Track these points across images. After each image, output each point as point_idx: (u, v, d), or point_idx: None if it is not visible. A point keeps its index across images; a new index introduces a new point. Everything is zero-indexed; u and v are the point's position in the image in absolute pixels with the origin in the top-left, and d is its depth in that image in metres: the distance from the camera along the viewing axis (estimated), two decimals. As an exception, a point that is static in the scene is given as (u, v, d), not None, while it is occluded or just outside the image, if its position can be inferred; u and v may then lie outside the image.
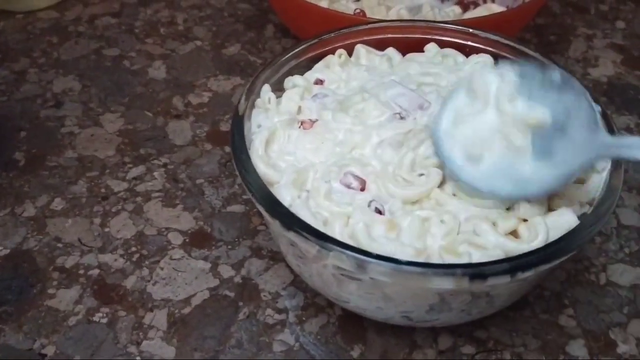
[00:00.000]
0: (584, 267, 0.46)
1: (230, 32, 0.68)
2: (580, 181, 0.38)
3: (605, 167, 0.38)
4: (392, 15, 0.58)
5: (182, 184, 0.51)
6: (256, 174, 0.36)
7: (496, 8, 0.62)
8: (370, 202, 0.36)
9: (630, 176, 0.53)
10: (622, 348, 0.41)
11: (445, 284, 0.32)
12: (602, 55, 0.66)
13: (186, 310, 0.43)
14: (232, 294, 0.44)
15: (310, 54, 0.47)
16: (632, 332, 0.42)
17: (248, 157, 0.37)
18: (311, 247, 0.33)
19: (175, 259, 0.46)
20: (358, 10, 0.58)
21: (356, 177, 0.37)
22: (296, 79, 0.45)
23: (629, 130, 0.57)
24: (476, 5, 0.67)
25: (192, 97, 0.60)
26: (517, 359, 0.41)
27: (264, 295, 0.44)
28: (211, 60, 0.64)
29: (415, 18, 0.59)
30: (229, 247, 0.47)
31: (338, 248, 0.32)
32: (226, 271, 0.45)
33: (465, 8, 0.67)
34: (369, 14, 0.61)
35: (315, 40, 0.47)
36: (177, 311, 0.43)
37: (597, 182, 0.37)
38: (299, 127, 0.41)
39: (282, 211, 0.34)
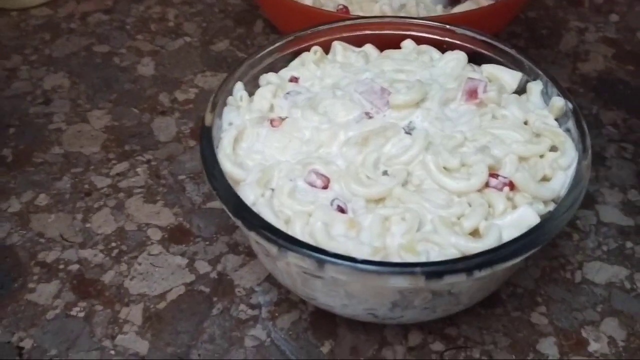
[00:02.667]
0: (559, 264, 0.46)
1: (220, 28, 0.68)
2: (546, 178, 0.38)
3: (571, 164, 0.37)
4: (376, 10, 0.58)
5: (164, 180, 0.52)
6: (221, 173, 0.37)
7: (484, 2, 0.62)
8: (333, 200, 0.37)
9: (613, 173, 0.52)
10: (593, 346, 0.41)
11: (401, 282, 0.32)
12: (593, 50, 0.65)
13: (161, 306, 0.44)
14: (207, 290, 0.44)
15: (287, 51, 0.48)
16: (605, 330, 0.42)
17: (214, 156, 0.37)
18: (272, 246, 0.33)
19: (153, 255, 0.47)
20: (341, 7, 0.58)
21: (320, 175, 0.38)
22: (270, 76, 0.46)
23: (616, 126, 0.56)
24: (466, -1, 0.67)
25: (178, 93, 0.60)
26: (487, 357, 0.41)
27: (239, 291, 0.44)
28: (199, 57, 0.65)
29: (400, 14, 0.58)
30: (207, 243, 0.47)
31: (295, 247, 0.33)
32: (202, 267, 0.46)
33: (455, 1, 0.67)
34: (356, 9, 0.61)
35: (291, 38, 0.48)
36: (152, 306, 0.44)
37: (562, 180, 0.37)
38: (269, 125, 0.41)
39: (244, 210, 0.35)
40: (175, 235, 0.48)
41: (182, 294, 0.44)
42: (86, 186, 0.52)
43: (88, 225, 0.49)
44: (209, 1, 0.72)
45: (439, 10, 0.62)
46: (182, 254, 0.47)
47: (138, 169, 0.53)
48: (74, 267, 0.46)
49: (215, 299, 0.44)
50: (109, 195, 0.51)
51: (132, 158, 0.54)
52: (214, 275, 0.45)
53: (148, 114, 0.58)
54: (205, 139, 0.38)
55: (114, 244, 0.48)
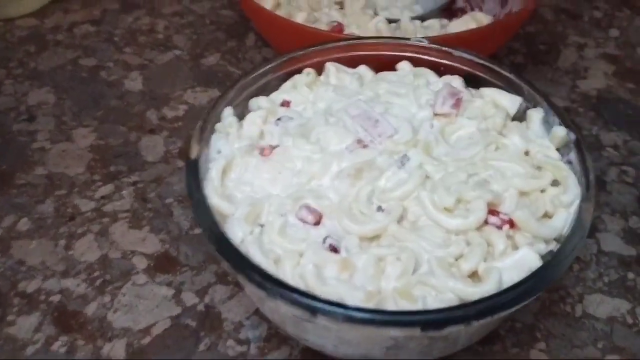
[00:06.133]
0: (559, 297, 0.44)
1: (211, 40, 0.66)
2: (547, 215, 0.36)
3: (573, 201, 0.36)
4: (371, 28, 0.56)
5: (150, 204, 0.50)
6: (208, 210, 0.35)
7: (482, 17, 0.60)
8: (326, 238, 0.35)
9: (614, 198, 0.51)
10: (594, 385, 0.40)
11: (396, 332, 0.31)
12: (592, 66, 0.63)
13: (146, 341, 0.42)
14: (193, 323, 0.43)
15: (279, 73, 0.46)
16: (606, 368, 0.41)
17: (200, 192, 0.36)
18: (259, 291, 0.32)
19: (138, 285, 0.45)
20: (335, 23, 0.57)
21: (312, 211, 0.36)
22: (261, 100, 0.44)
23: (616, 148, 0.55)
24: (463, 12, 0.65)
25: (167, 110, 0.59)
26: (484, 396, 0.39)
27: (226, 325, 0.43)
28: (189, 71, 0.63)
29: (395, 32, 0.57)
30: (194, 272, 0.46)
31: (285, 293, 0.31)
32: (189, 298, 0.44)
33: (452, 15, 0.65)
34: (351, 23, 0.60)
35: (284, 59, 0.46)
36: (136, 341, 0.42)
37: (565, 218, 0.35)
38: (259, 154, 0.40)
39: (231, 251, 0.33)
40: (162, 264, 0.46)
41: (167, 328, 0.42)
42: (70, 210, 0.50)
43: (71, 252, 0.47)
44: (200, 12, 0.70)
45: (434, 25, 0.60)
46: (169, 284, 0.45)
47: (124, 192, 0.51)
48: (56, 297, 0.44)
49: (202, 333, 0.42)
50: (93, 220, 0.49)
51: (118, 180, 0.52)
52: (201, 307, 0.44)
53: (135, 132, 0.56)
54: (191, 173, 0.36)
55: (97, 273, 0.46)
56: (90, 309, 0.44)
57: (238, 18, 0.69)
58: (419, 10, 0.64)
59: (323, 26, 0.58)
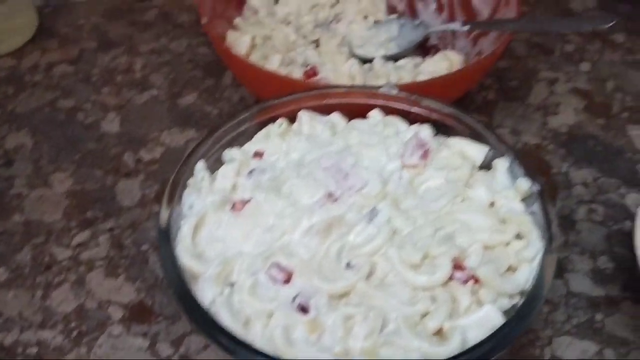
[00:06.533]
0: (528, 340, 0.45)
1: (188, 79, 0.67)
2: (512, 268, 0.37)
3: (536, 256, 0.37)
4: (345, 71, 0.57)
5: (126, 251, 0.51)
6: (177, 271, 0.35)
7: (453, 56, 0.61)
8: (295, 297, 0.36)
9: (583, 237, 0.52)
10: None
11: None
12: (563, 102, 0.65)
13: (121, 395, 0.42)
14: (169, 374, 0.43)
15: (252, 122, 0.47)
16: (575, 413, 0.41)
17: (170, 253, 0.36)
18: (227, 354, 0.32)
19: (114, 336, 0.45)
20: (309, 67, 0.57)
21: (282, 269, 0.37)
22: (234, 152, 0.45)
23: (586, 186, 0.56)
24: (437, 49, 0.66)
25: (143, 152, 0.59)
26: None
27: (201, 376, 0.43)
28: (166, 111, 0.63)
29: (368, 74, 0.58)
30: (169, 322, 0.46)
31: (250, 357, 0.31)
32: (165, 349, 0.45)
33: (427, 52, 0.66)
34: (327, 62, 0.61)
35: (258, 108, 0.47)
36: (111, 395, 0.42)
37: (528, 272, 0.36)
38: (231, 209, 0.40)
39: (199, 315, 0.33)
40: (137, 314, 0.47)
41: (143, 380, 0.43)
42: (46, 259, 0.50)
43: (48, 302, 0.47)
44: (177, 50, 0.71)
45: (407, 65, 0.61)
46: (144, 335, 0.45)
47: (100, 238, 0.52)
48: (33, 349, 0.45)
49: (177, 384, 0.43)
50: (70, 269, 0.49)
51: (94, 226, 0.53)
52: (176, 357, 0.44)
53: (112, 176, 0.57)
54: (163, 243, 0.37)
55: (74, 324, 0.46)
56: (66, 361, 0.44)
57: (215, 56, 0.70)
58: (394, 48, 0.65)
59: (297, 68, 0.58)
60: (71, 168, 0.58)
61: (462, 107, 0.62)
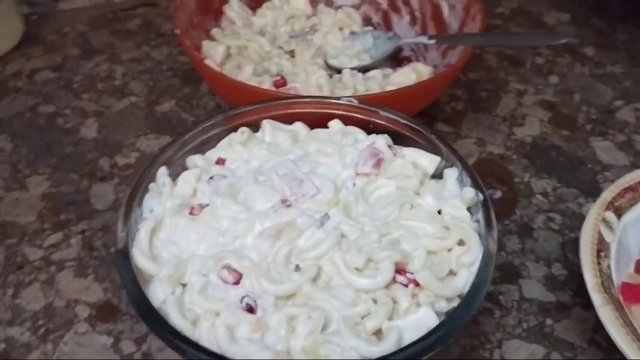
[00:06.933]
0: (479, 343, 0.47)
1: (167, 87, 0.69)
2: (452, 273, 0.39)
3: (475, 261, 0.38)
4: (313, 82, 0.59)
5: (96, 252, 0.53)
6: (131, 272, 0.37)
7: (422, 68, 0.63)
8: (243, 297, 0.37)
9: (539, 245, 0.53)
10: None
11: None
12: (530, 113, 0.66)
13: (83, 389, 0.44)
14: (130, 372, 0.45)
15: (218, 130, 0.48)
16: (518, 414, 0.43)
17: (125, 255, 0.38)
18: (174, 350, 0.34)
19: (79, 334, 0.47)
20: (278, 78, 0.59)
21: (232, 271, 0.38)
22: (197, 158, 0.46)
23: (545, 195, 0.58)
24: (409, 61, 0.68)
25: (119, 157, 0.61)
26: None
27: (162, 373, 0.45)
28: (143, 118, 0.65)
29: (337, 85, 0.60)
30: (134, 320, 0.48)
31: (194, 353, 0.33)
32: (127, 347, 0.46)
33: (400, 63, 0.68)
34: (300, 71, 0.63)
35: (224, 117, 0.49)
36: (73, 390, 0.44)
37: (466, 277, 0.38)
38: (188, 213, 0.42)
39: (148, 313, 0.35)
40: (103, 313, 0.48)
41: (105, 376, 0.45)
42: (19, 259, 0.52)
43: (18, 301, 0.49)
44: (158, 58, 0.73)
45: (376, 76, 0.63)
46: (108, 333, 0.47)
47: (72, 240, 0.53)
48: (1, 346, 0.46)
49: (137, 381, 0.44)
50: (41, 269, 0.51)
51: (67, 228, 0.54)
52: (138, 356, 0.46)
53: (87, 180, 0.59)
54: (119, 244, 0.39)
55: (41, 322, 0.48)
56: (32, 357, 0.46)
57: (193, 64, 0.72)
58: (367, 59, 0.67)
59: (268, 79, 0.60)
60: (48, 171, 0.60)
61: (430, 117, 0.64)
